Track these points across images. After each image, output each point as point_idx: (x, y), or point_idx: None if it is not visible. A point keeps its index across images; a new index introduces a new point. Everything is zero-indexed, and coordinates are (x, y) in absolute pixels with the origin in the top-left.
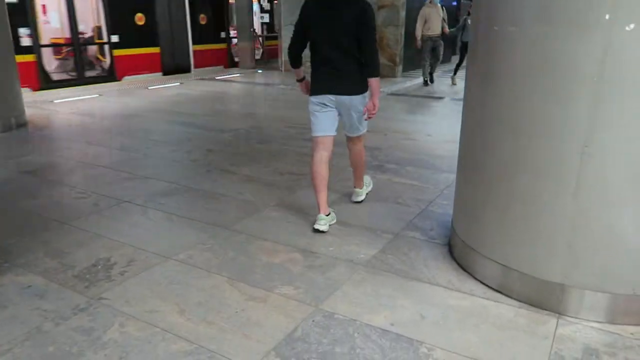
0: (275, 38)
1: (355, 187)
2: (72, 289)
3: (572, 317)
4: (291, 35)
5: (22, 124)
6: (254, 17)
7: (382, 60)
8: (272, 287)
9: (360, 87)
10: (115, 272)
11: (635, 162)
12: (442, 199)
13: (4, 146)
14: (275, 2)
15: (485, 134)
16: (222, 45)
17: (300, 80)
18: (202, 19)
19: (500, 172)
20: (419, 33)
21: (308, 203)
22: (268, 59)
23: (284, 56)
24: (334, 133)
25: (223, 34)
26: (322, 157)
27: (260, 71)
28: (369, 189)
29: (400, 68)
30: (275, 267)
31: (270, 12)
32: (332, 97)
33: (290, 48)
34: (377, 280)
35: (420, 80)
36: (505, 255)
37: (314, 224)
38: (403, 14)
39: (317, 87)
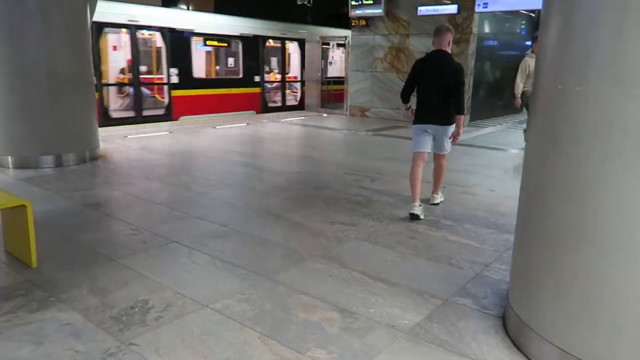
0: (342, 83)
1: (433, 194)
2: (106, 330)
3: None
4: (404, 83)
5: (95, 158)
6: (321, 62)
7: None
8: (304, 348)
9: (450, 120)
10: (151, 317)
11: None
12: (501, 263)
13: (76, 178)
14: (343, 49)
15: (546, 197)
16: (256, 90)
17: (407, 109)
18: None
19: (562, 243)
20: (519, 89)
21: (354, 257)
22: (334, 103)
23: (349, 101)
24: (429, 150)
25: (257, 78)
26: (419, 164)
27: (325, 115)
28: (442, 199)
29: (467, 117)
30: (311, 326)
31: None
32: (431, 126)
33: (403, 91)
34: (418, 351)
35: (488, 130)
36: (565, 338)
37: (410, 210)
38: (472, 63)
39: (420, 119)
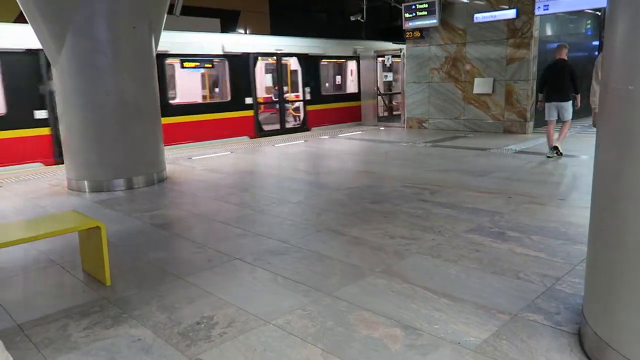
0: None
1: (557, 141)
2: (174, 346)
3: None
4: (539, 80)
5: (162, 179)
6: (377, 75)
7: (512, 116)
8: None
9: (569, 98)
10: (216, 333)
11: None
12: (574, 276)
13: (144, 199)
14: (398, 61)
15: (622, 206)
16: (247, 113)
17: (540, 101)
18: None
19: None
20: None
21: (416, 273)
22: (391, 116)
23: (407, 113)
24: (556, 118)
25: (248, 100)
26: (551, 127)
27: (382, 128)
28: (561, 152)
29: (531, 124)
30: (373, 343)
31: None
32: (556, 103)
33: (539, 86)
34: None
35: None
36: None
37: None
38: (534, 67)
39: (550, 99)
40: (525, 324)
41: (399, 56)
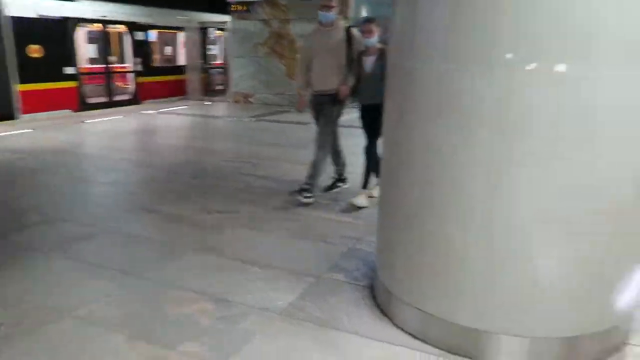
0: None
1: None
2: None
3: None
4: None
5: None
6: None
7: None
8: (174, 343)
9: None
10: (1, 335)
11: (542, 202)
12: (372, 235)
13: None
14: (221, 34)
15: (399, 175)
16: (68, 84)
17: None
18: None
19: (411, 217)
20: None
21: (231, 246)
22: (217, 90)
23: (233, 87)
24: None
25: (71, 70)
26: None
27: (209, 103)
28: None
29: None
30: (184, 320)
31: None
32: None
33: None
34: (292, 331)
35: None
36: (422, 300)
37: None
38: None
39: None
40: (329, 282)
41: (224, 29)
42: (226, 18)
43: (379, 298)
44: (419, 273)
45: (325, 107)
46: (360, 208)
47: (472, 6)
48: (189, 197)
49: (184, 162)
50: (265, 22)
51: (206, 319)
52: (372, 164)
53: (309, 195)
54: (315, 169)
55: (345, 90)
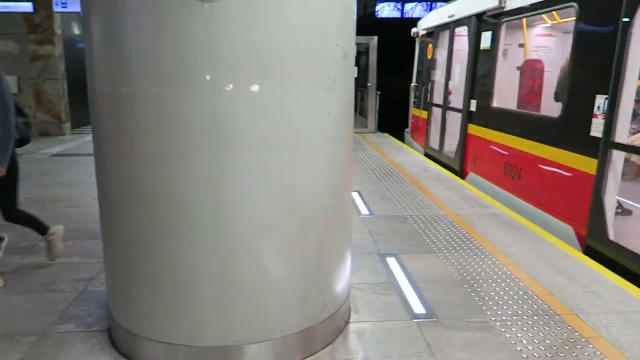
0: None
1: None
2: None
3: None
4: None
5: None
6: None
7: (47, 117)
8: None
9: None
10: None
11: (260, 212)
12: None
13: None
14: None
15: (121, 200)
16: None
17: None
18: None
19: (143, 240)
20: None
21: None
22: None
23: None
24: None
25: None
26: None
27: None
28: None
29: (68, 125)
30: None
31: None
32: None
33: None
34: None
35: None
36: (162, 331)
37: None
38: (63, 67)
39: None
40: (56, 338)
41: None
42: None
43: (118, 341)
44: (157, 301)
45: None
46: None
47: (172, 35)
48: None
49: None
50: None
51: None
52: (31, 223)
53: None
54: None
55: None
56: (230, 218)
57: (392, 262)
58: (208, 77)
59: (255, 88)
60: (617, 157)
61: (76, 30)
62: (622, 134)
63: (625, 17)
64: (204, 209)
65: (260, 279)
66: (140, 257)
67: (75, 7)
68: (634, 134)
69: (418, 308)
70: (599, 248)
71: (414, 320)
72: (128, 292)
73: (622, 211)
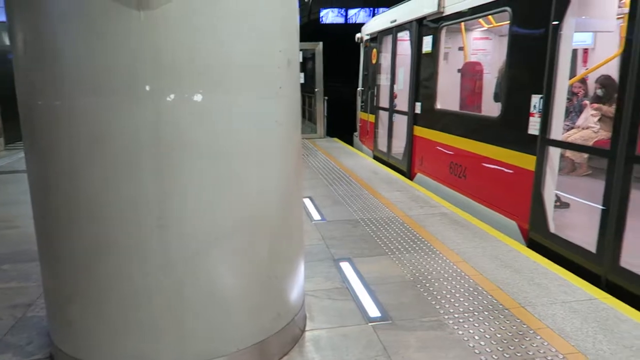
0: None
1: None
2: None
3: None
4: None
5: None
6: None
7: None
8: None
9: None
10: None
11: (209, 225)
12: None
13: None
14: None
15: (60, 219)
16: None
17: None
18: None
19: (85, 260)
20: None
21: None
22: None
23: None
24: None
25: None
26: None
27: None
28: None
29: (1, 141)
30: None
31: None
32: None
33: None
34: None
35: None
36: (110, 354)
37: None
38: None
39: None
40: None
41: None
42: None
43: None
44: (105, 324)
45: None
46: None
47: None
48: None
49: None
50: None
51: None
52: None
53: None
54: None
55: None
56: (177, 233)
57: (345, 266)
58: (148, 88)
59: (198, 98)
60: (554, 153)
61: (7, 41)
62: (557, 131)
63: (555, 21)
64: (149, 224)
65: (211, 293)
66: (81, 278)
67: (3, 16)
68: (567, 130)
69: (373, 311)
70: (542, 241)
71: (370, 324)
72: (69, 315)
73: (561, 204)
